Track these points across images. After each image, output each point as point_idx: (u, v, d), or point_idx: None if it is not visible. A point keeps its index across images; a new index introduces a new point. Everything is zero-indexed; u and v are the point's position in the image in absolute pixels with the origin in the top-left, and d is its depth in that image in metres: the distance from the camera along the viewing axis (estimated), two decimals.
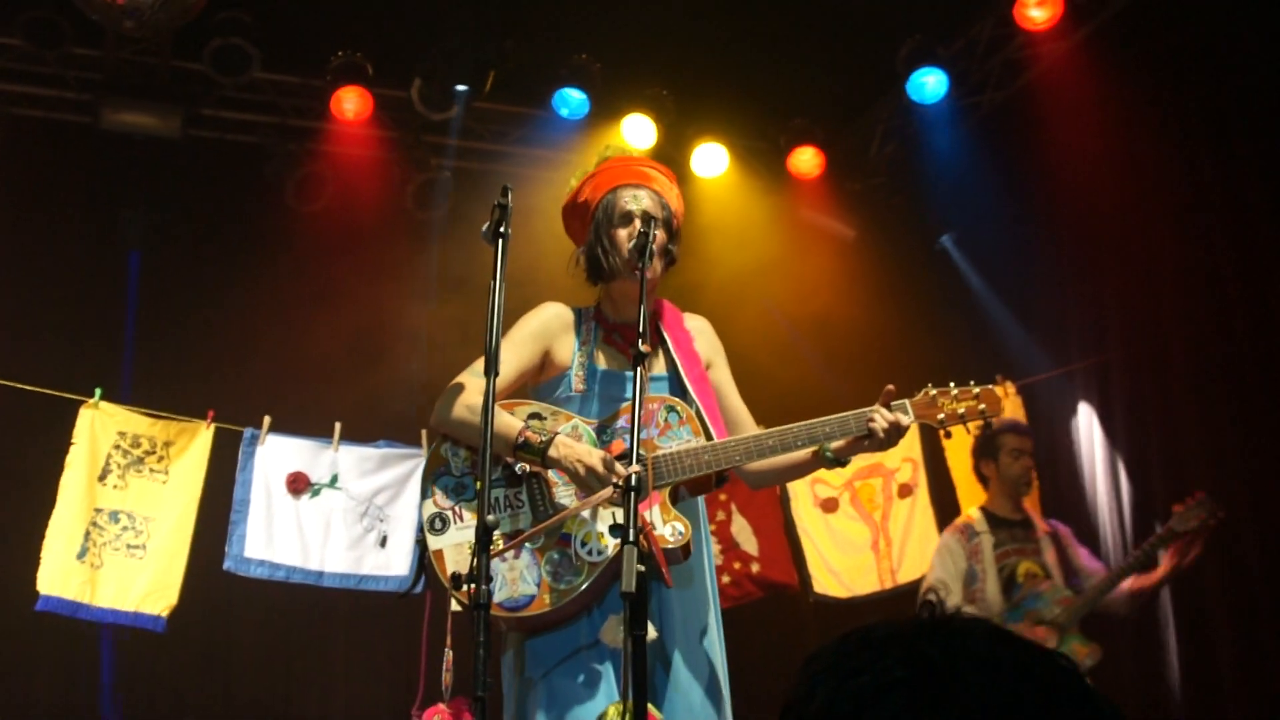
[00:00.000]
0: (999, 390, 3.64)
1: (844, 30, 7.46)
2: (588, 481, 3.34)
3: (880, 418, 3.42)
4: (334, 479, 6.56)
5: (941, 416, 3.52)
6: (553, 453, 3.36)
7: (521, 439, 3.38)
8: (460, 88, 7.37)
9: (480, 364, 3.30)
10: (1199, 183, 6.66)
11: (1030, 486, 6.15)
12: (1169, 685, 6.41)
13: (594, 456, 3.33)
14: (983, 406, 3.54)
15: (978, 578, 5.87)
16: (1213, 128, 6.60)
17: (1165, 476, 6.64)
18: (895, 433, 3.44)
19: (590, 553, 3.32)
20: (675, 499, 3.43)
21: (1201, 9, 6.64)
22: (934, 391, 3.54)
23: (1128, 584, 5.78)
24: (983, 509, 6.16)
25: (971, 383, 3.58)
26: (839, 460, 3.52)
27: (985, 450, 6.16)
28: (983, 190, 7.91)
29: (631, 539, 2.83)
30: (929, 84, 7.69)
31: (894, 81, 7.84)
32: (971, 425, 3.55)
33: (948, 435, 3.65)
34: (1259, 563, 6.02)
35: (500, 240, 3.10)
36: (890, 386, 3.49)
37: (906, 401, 3.50)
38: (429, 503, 3.45)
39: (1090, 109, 7.24)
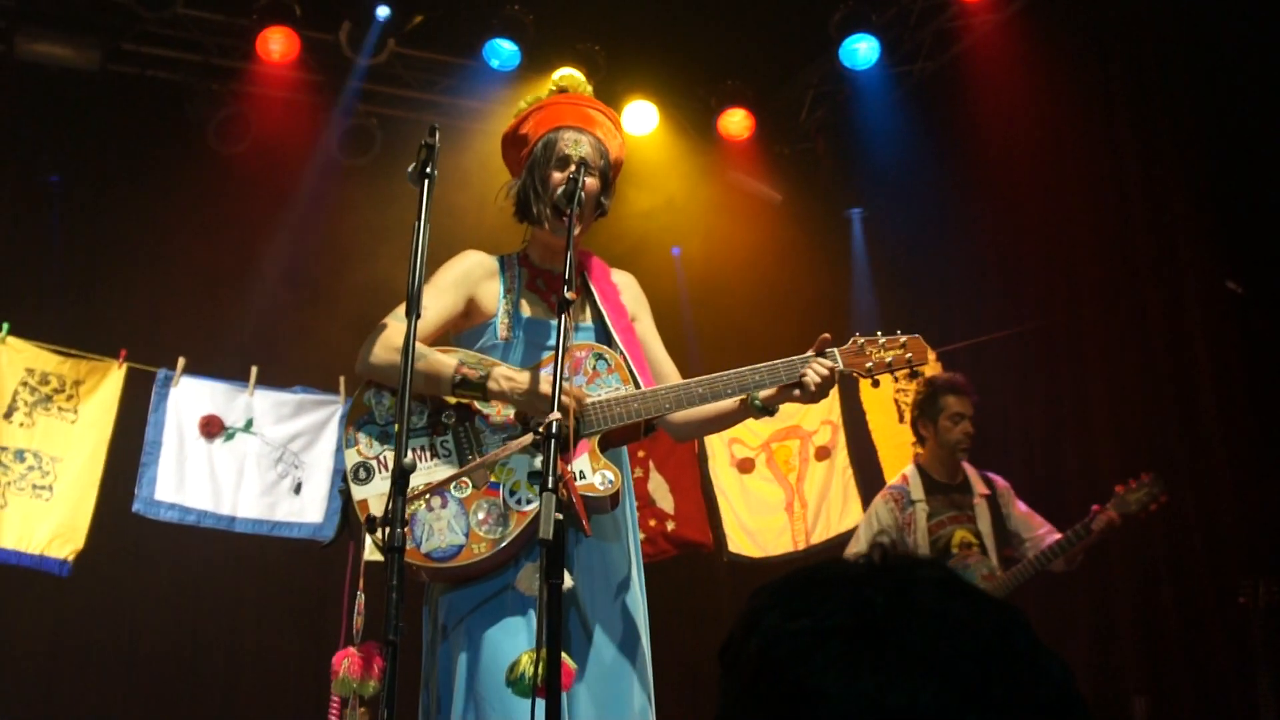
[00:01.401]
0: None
1: None
2: (529, 410, 3.30)
3: (814, 370, 3.40)
4: (249, 423, 6.48)
5: (869, 365, 3.52)
6: (493, 385, 3.31)
7: (459, 376, 3.33)
8: (382, 13, 7.22)
9: (401, 309, 3.26)
10: (1119, 157, 6.77)
11: (968, 452, 5.89)
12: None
13: (535, 386, 3.29)
14: (909, 355, 3.55)
15: (907, 549, 5.77)
16: (1134, 104, 6.71)
17: (1077, 446, 6.77)
18: (827, 383, 3.43)
19: (519, 502, 3.27)
20: (604, 447, 3.40)
21: None
22: (862, 340, 3.54)
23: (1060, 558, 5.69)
24: (919, 468, 5.92)
25: (898, 331, 3.59)
26: (767, 409, 3.50)
27: (925, 410, 5.89)
28: (910, 158, 7.97)
29: (550, 486, 2.81)
30: (861, 50, 7.71)
31: (827, 46, 7.85)
32: (899, 373, 3.57)
33: (875, 384, 3.63)
34: (1159, 531, 6.15)
35: (426, 181, 3.05)
36: (825, 335, 3.48)
37: (835, 350, 3.49)
38: (352, 451, 3.37)
39: (1018, 82, 7.32)
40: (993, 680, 1.09)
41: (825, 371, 3.41)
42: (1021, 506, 5.93)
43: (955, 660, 1.09)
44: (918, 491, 5.81)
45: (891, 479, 6.17)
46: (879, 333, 3.58)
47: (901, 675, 1.08)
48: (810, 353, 3.46)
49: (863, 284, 8.43)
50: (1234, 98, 6.17)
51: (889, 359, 3.54)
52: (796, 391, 3.45)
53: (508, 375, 3.35)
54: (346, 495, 3.35)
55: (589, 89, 3.81)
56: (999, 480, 5.98)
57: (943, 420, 5.82)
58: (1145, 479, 5.57)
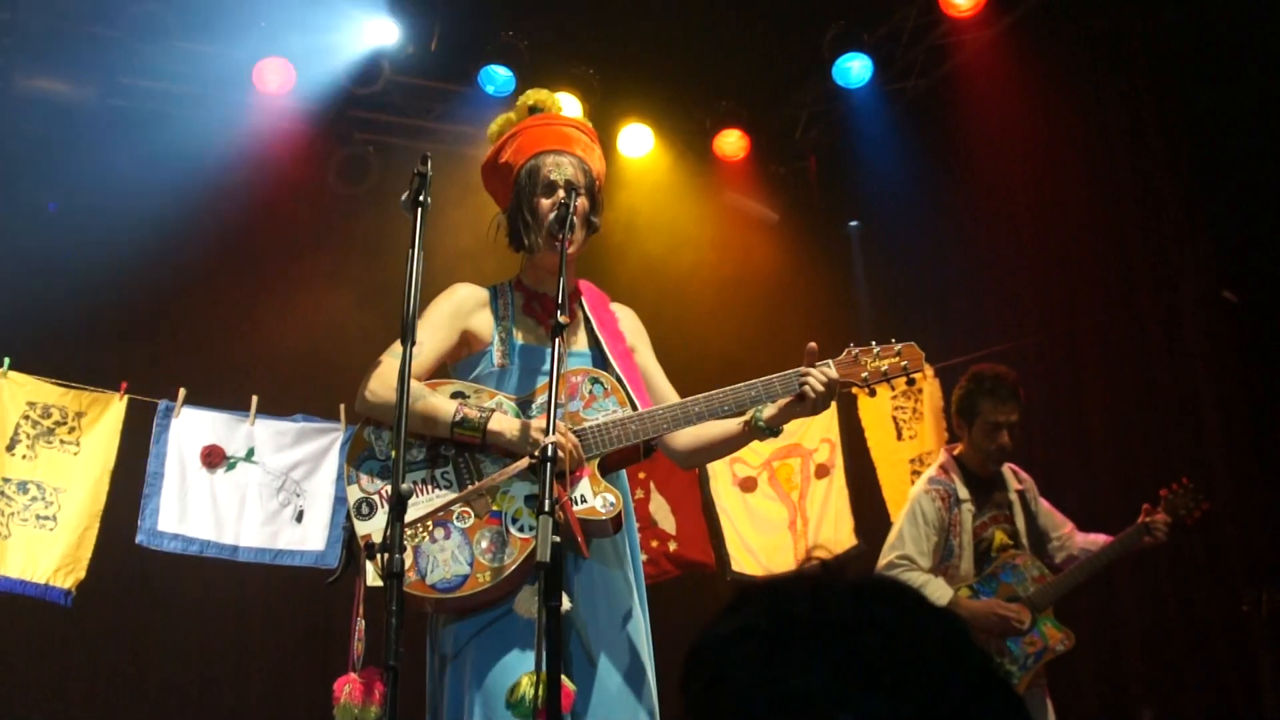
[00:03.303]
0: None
1: (771, 13, 7.50)
2: (527, 452, 3.29)
3: (812, 379, 3.38)
4: (250, 453, 6.49)
5: (865, 375, 3.50)
6: (494, 426, 3.33)
7: (460, 416, 3.34)
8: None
9: (398, 345, 3.27)
10: (1113, 173, 6.81)
11: (1002, 464, 5.55)
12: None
13: (534, 429, 3.29)
14: (905, 363, 3.53)
15: (954, 553, 5.40)
16: (1128, 120, 6.74)
17: (1077, 459, 6.78)
18: (828, 393, 3.41)
19: (521, 529, 3.27)
20: (604, 471, 3.40)
21: (1120, 3, 6.76)
22: (856, 350, 3.52)
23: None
24: (957, 461, 5.56)
25: (893, 340, 3.57)
26: (772, 429, 3.48)
27: (962, 410, 5.57)
28: (905, 175, 8.00)
29: (547, 509, 2.82)
30: (854, 69, 7.76)
31: (820, 66, 7.89)
32: (896, 382, 3.55)
33: (872, 393, 3.60)
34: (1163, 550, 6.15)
35: (419, 209, 3.07)
36: (812, 345, 3.45)
37: (830, 361, 3.48)
38: (354, 488, 3.38)
39: (1011, 98, 7.36)
40: (891, 666, 1.16)
41: (824, 379, 3.40)
42: (1045, 503, 5.70)
43: (855, 650, 1.17)
44: (963, 490, 5.48)
45: (928, 470, 5.75)
46: (873, 342, 3.56)
47: (801, 665, 1.17)
48: (804, 365, 3.44)
49: (862, 298, 8.45)
50: (1226, 110, 6.19)
51: (884, 368, 3.52)
52: (798, 406, 3.43)
53: (508, 418, 3.36)
54: (350, 532, 3.36)
55: (560, 106, 3.82)
56: (1025, 476, 5.71)
57: (977, 428, 5.49)
58: (1186, 483, 5.40)
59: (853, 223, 8.59)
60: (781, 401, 3.44)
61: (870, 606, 1.20)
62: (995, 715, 1.18)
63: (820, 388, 3.39)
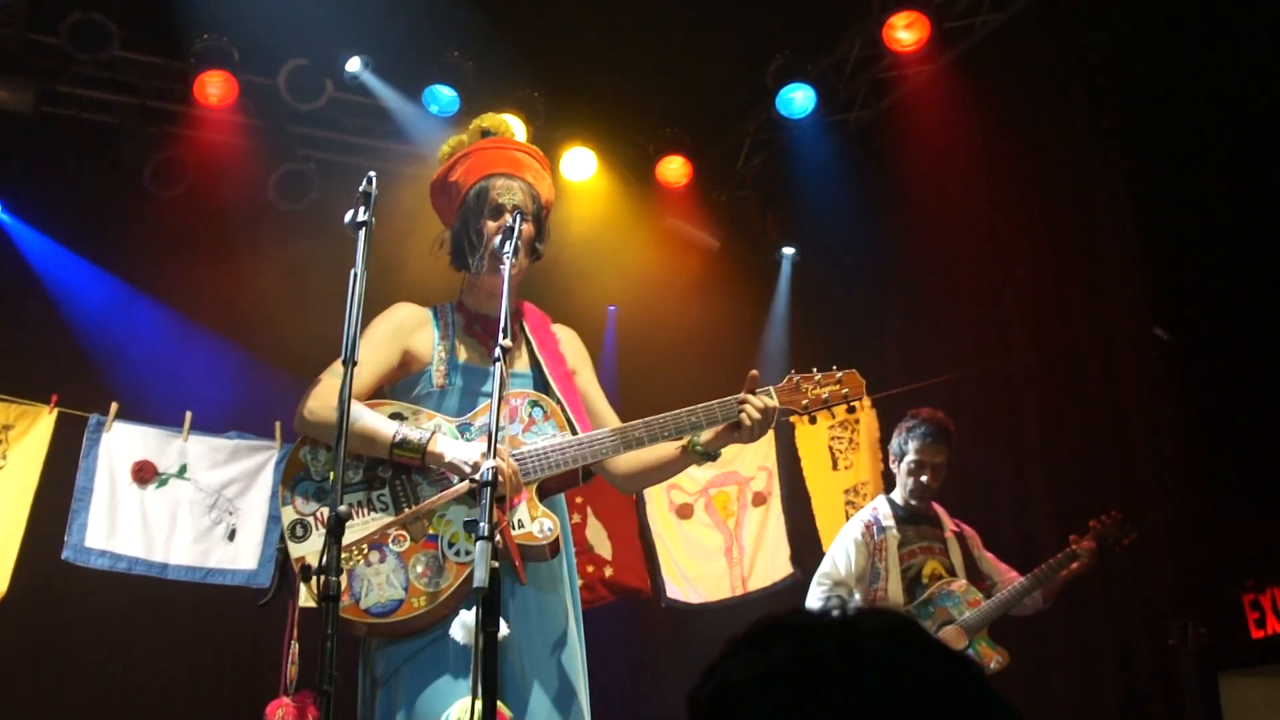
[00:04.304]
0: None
1: (717, 42, 7.54)
2: (467, 475, 3.26)
3: (751, 406, 3.40)
4: (182, 469, 6.41)
5: (805, 401, 3.52)
6: (433, 448, 3.30)
7: (399, 437, 3.31)
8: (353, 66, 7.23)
9: (338, 364, 3.25)
10: (1051, 209, 6.90)
11: (926, 501, 5.78)
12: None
13: (475, 452, 3.27)
14: (845, 390, 3.55)
15: (880, 576, 5.59)
16: (1068, 156, 6.83)
17: (1012, 491, 6.84)
18: (765, 420, 3.43)
19: (457, 553, 3.26)
20: (542, 495, 3.39)
21: (1061, 41, 6.87)
22: (797, 377, 3.54)
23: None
24: (890, 499, 5.83)
25: (834, 367, 3.60)
26: (709, 454, 3.49)
27: (894, 448, 5.81)
28: (846, 206, 8.05)
29: (485, 534, 2.80)
30: (797, 99, 7.81)
31: (764, 95, 7.93)
32: (836, 410, 3.57)
33: (813, 420, 3.63)
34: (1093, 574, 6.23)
35: (363, 228, 3.05)
36: (754, 373, 3.47)
37: (771, 387, 3.49)
38: (289, 509, 3.35)
39: (952, 133, 7.44)
40: (930, 713, 1.12)
41: (761, 406, 3.41)
42: (990, 555, 5.91)
43: (899, 703, 1.12)
44: (889, 519, 5.72)
45: (842, 521, 6.14)
46: (814, 369, 3.58)
47: (844, 715, 1.11)
48: (744, 393, 3.46)
49: (796, 325, 8.46)
50: (1166, 149, 6.30)
51: (825, 395, 3.54)
52: (736, 432, 3.44)
53: (448, 439, 3.34)
54: (284, 554, 3.32)
55: (513, 131, 3.82)
56: (967, 528, 5.94)
57: (904, 465, 5.75)
58: (1116, 515, 5.63)
59: (787, 250, 8.60)
60: (719, 427, 3.45)
61: (902, 651, 1.17)
62: None
63: (756, 415, 3.40)
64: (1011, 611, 5.66)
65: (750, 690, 1.16)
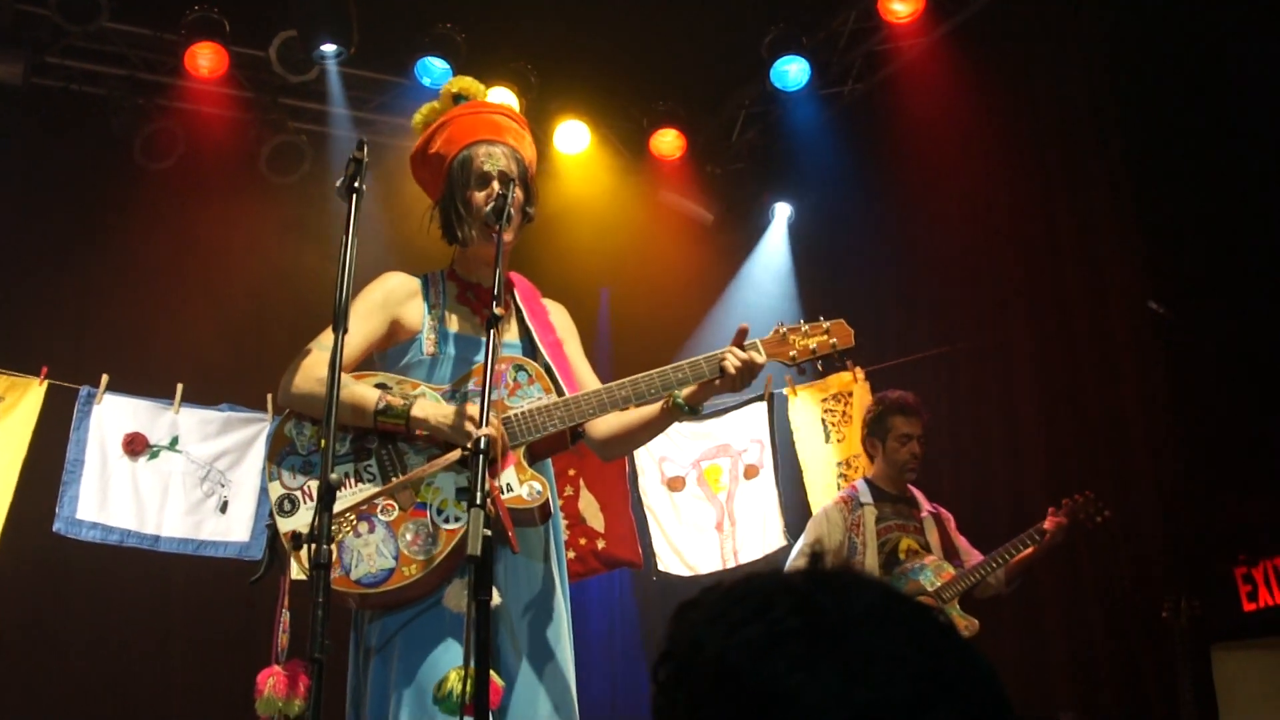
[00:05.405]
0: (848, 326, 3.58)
1: (711, 14, 7.50)
2: (454, 439, 3.26)
3: (732, 356, 3.37)
4: (174, 441, 6.39)
5: (793, 353, 3.49)
6: (417, 412, 3.28)
7: (383, 404, 3.30)
8: (329, 48, 7.16)
9: (324, 336, 3.23)
10: (1046, 179, 6.87)
11: (914, 474, 5.98)
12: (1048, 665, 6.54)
13: (459, 415, 3.26)
14: (833, 340, 3.52)
15: (857, 550, 5.73)
16: (1061, 126, 6.81)
17: (1006, 465, 6.84)
18: (748, 371, 3.40)
19: (446, 520, 3.24)
20: (532, 459, 3.37)
21: (1056, 12, 6.84)
22: (785, 329, 3.51)
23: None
24: (868, 481, 6.01)
25: (821, 317, 3.57)
26: (693, 409, 3.46)
27: (873, 429, 6.03)
28: (840, 179, 8.02)
29: (478, 502, 2.79)
30: (791, 72, 7.77)
31: (758, 68, 7.90)
32: (823, 359, 3.54)
33: (802, 371, 3.61)
34: (1087, 551, 6.24)
35: (354, 195, 3.02)
36: (744, 325, 3.45)
37: (758, 340, 3.47)
38: (276, 484, 3.33)
39: (947, 104, 7.40)
40: (957, 674, 1.13)
41: (745, 355, 3.38)
42: (962, 539, 6.02)
43: (916, 656, 1.12)
44: (866, 496, 5.90)
45: (834, 493, 6.30)
46: (801, 320, 3.55)
47: (867, 671, 1.10)
48: (731, 345, 3.43)
49: (790, 290, 8.43)
50: (1162, 122, 6.27)
51: (813, 345, 3.50)
52: (718, 382, 3.40)
53: (431, 404, 3.32)
54: (274, 529, 3.31)
55: (485, 92, 3.78)
56: (943, 510, 6.08)
57: (890, 441, 5.94)
58: (1089, 494, 5.70)
59: (780, 205, 8.51)
60: (703, 380, 3.42)
61: (894, 605, 1.16)
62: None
63: (738, 363, 3.37)
64: (975, 593, 5.76)
65: (758, 648, 1.13)
